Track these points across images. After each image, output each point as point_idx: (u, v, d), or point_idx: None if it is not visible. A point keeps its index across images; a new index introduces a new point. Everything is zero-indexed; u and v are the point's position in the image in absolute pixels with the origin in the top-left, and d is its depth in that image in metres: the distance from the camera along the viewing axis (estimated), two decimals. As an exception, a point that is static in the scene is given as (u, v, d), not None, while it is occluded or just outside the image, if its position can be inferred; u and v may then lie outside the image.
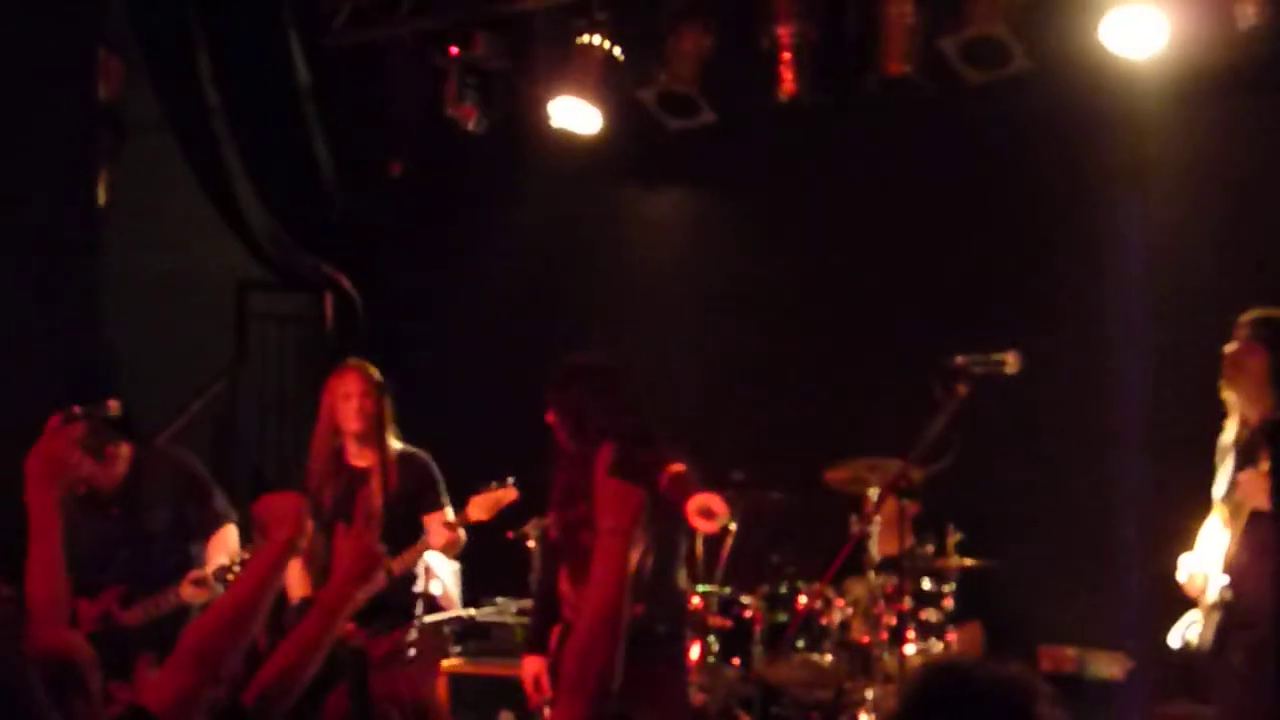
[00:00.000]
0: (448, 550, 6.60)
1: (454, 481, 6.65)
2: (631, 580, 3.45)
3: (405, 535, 6.40)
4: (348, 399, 6.48)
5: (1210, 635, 5.61)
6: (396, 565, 6.28)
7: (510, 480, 6.45)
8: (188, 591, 6.30)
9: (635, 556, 3.47)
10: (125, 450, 6.54)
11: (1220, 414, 5.78)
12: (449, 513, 6.52)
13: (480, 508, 6.37)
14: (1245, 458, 5.57)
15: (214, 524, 6.52)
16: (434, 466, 6.61)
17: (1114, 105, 7.67)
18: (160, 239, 9.08)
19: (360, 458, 6.52)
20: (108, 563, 6.49)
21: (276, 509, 3.75)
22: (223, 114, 8.97)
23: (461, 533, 6.46)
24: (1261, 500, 5.35)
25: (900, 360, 7.26)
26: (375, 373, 6.57)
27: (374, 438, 6.48)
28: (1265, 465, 5.32)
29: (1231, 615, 5.56)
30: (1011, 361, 5.55)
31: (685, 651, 5.94)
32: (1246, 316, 5.67)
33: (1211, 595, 5.64)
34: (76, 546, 5.99)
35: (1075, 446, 7.59)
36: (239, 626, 3.48)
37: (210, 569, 6.33)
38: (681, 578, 5.66)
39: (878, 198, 8.46)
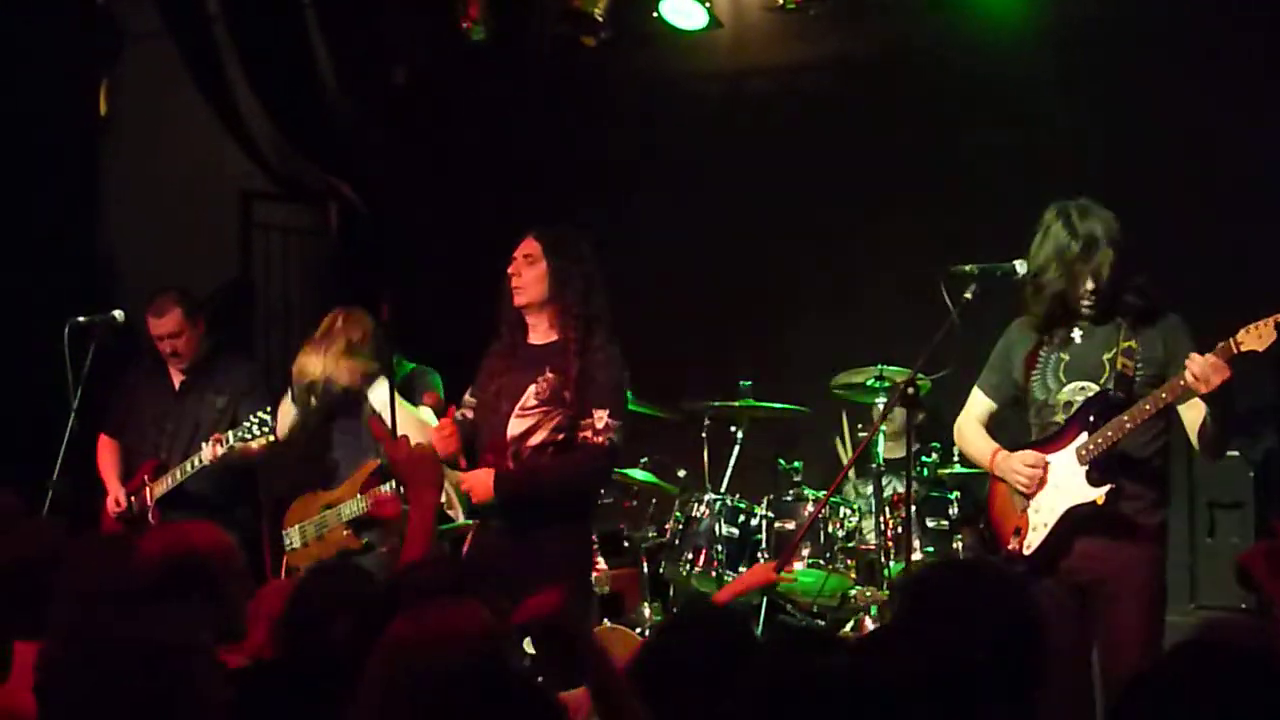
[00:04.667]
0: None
1: (454, 393, 6.68)
2: None
3: None
4: None
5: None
6: None
7: None
8: (207, 451, 6.81)
9: None
10: (203, 330, 7.15)
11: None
12: None
13: None
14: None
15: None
16: None
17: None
18: (162, 149, 9.03)
19: None
20: (154, 435, 7.13)
21: (419, 470, 4.27)
22: (223, 21, 8.87)
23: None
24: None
25: (909, 267, 7.26)
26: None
27: None
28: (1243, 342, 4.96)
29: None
30: (1021, 268, 5.51)
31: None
32: None
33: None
34: (137, 416, 6.97)
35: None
36: None
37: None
38: None
39: (884, 105, 8.43)
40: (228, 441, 6.76)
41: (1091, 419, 5.28)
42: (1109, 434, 5.23)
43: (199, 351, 7.14)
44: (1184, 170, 7.57)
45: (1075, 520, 5.31)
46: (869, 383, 7.24)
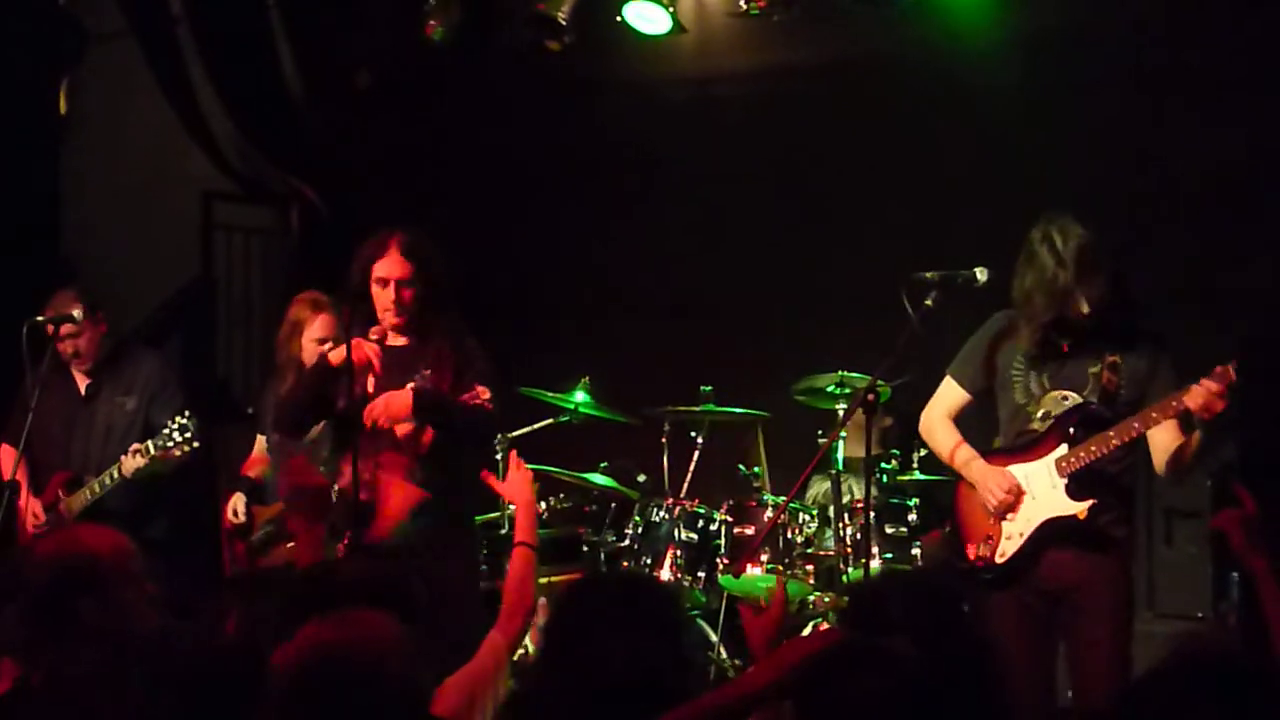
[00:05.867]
0: None
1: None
2: None
3: None
4: None
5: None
6: None
7: None
8: (128, 463, 6.50)
9: None
10: (105, 329, 6.87)
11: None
12: None
13: None
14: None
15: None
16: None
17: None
18: (124, 149, 8.98)
19: None
20: (63, 444, 6.84)
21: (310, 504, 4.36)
22: (187, 23, 8.84)
23: None
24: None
25: (871, 274, 7.26)
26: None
27: None
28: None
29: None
30: (982, 275, 5.52)
31: None
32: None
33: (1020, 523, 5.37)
34: (43, 424, 6.55)
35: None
36: None
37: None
38: None
39: (848, 112, 8.44)
40: (147, 451, 6.47)
41: (1073, 431, 5.26)
42: (1092, 449, 5.20)
43: (101, 351, 6.89)
44: (1146, 179, 7.60)
45: (1052, 532, 5.29)
46: (830, 389, 7.25)
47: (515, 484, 4.57)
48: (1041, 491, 5.32)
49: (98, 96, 9.00)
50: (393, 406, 5.49)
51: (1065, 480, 5.27)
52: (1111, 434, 5.18)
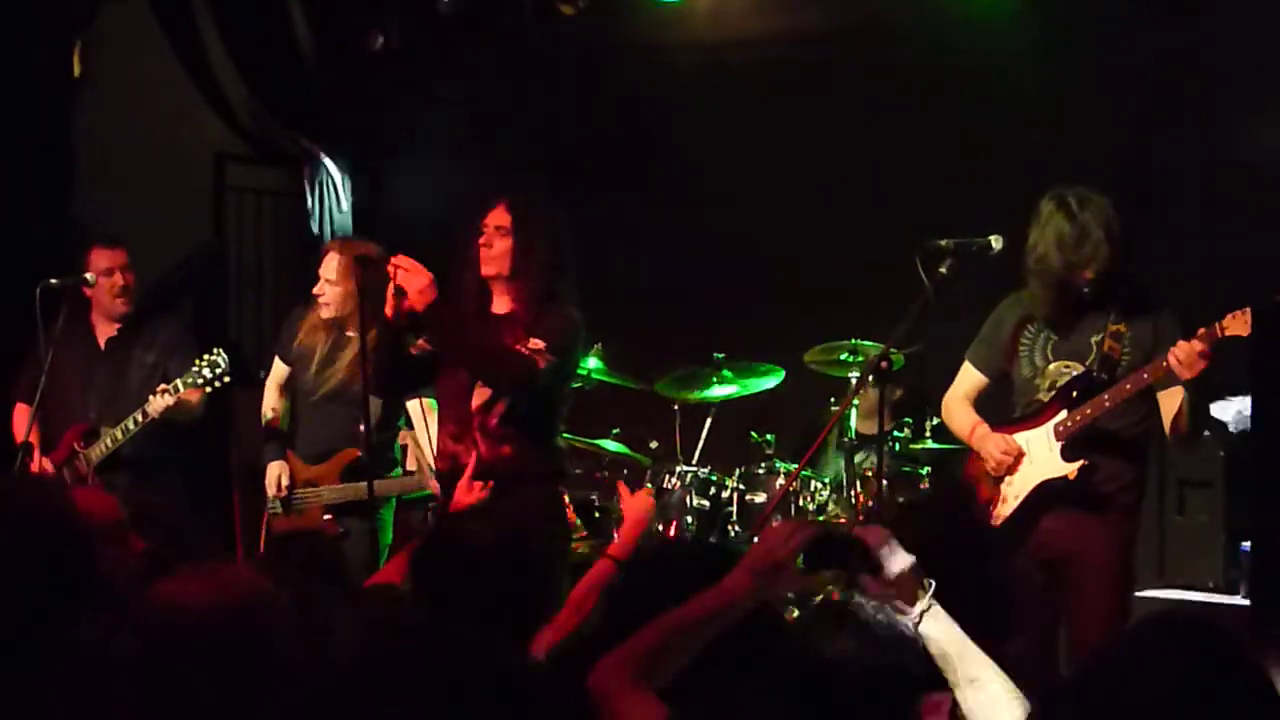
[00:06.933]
0: None
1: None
2: None
3: None
4: None
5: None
6: None
7: None
8: (156, 402, 6.51)
9: None
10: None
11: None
12: None
13: None
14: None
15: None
16: None
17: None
18: (135, 110, 8.95)
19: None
20: (80, 399, 6.87)
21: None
22: (200, -17, 8.82)
23: None
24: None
25: (884, 242, 7.25)
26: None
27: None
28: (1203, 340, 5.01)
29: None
30: (997, 244, 5.51)
31: None
32: None
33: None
34: (59, 382, 6.61)
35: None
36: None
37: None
38: None
39: (861, 78, 8.41)
40: (176, 390, 6.48)
41: (1075, 396, 5.31)
42: (1087, 411, 5.26)
43: (136, 300, 7.01)
44: (1160, 146, 7.57)
45: (1046, 494, 5.34)
46: (843, 357, 7.24)
47: (635, 502, 4.72)
48: (1040, 456, 5.39)
49: (110, 57, 8.96)
50: (415, 274, 5.37)
51: (1060, 443, 5.32)
52: (1105, 396, 5.24)
